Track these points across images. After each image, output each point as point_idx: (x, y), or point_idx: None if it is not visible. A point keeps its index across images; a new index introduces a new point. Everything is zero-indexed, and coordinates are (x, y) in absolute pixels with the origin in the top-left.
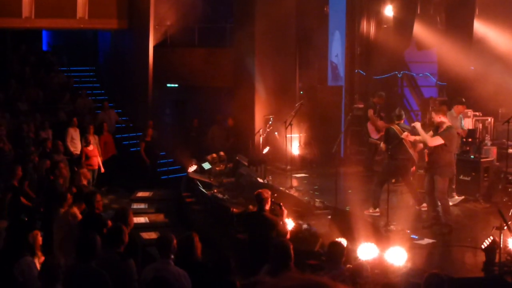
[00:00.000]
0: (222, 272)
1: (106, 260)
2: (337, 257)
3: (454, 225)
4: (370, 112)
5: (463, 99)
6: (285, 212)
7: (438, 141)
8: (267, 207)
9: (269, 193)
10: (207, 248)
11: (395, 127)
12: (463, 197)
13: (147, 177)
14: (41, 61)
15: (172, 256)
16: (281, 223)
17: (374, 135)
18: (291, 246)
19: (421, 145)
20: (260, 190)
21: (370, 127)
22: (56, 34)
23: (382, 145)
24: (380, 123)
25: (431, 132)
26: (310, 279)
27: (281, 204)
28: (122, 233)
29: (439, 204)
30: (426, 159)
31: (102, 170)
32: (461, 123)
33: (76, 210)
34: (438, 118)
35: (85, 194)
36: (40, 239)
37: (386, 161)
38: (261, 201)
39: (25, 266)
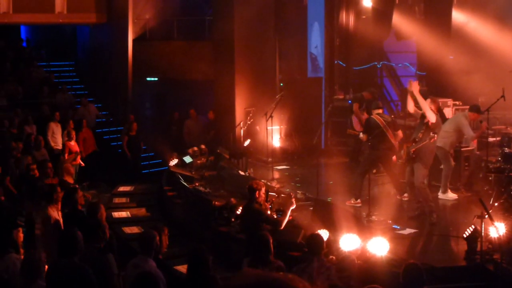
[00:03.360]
0: (198, 265)
1: (86, 255)
2: (317, 249)
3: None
4: (355, 106)
5: (480, 108)
6: (293, 204)
7: (433, 115)
8: (260, 198)
9: (260, 183)
10: (189, 242)
11: (376, 117)
12: (456, 196)
13: (129, 171)
14: (20, 56)
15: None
16: (269, 212)
17: (358, 128)
18: (271, 240)
19: (401, 134)
20: (251, 181)
21: (354, 120)
22: (34, 29)
23: (361, 135)
24: (365, 116)
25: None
26: (265, 276)
27: (292, 195)
28: (101, 229)
29: (419, 193)
30: (412, 150)
31: (82, 164)
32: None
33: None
34: (433, 106)
35: (66, 191)
36: (21, 235)
37: (367, 152)
38: (251, 192)
39: (10, 263)
